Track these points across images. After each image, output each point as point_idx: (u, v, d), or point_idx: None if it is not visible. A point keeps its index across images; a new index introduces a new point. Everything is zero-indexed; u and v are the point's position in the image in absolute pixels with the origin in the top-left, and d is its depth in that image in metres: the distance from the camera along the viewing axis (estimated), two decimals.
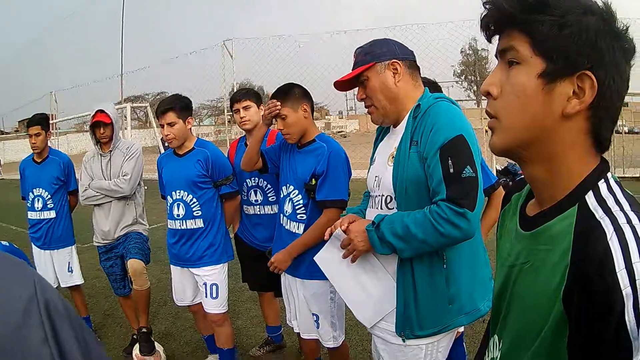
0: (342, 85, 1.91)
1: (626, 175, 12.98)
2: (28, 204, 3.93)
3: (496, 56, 0.82)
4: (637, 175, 12.92)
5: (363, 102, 1.87)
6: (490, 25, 0.81)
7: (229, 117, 15.99)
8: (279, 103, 2.48)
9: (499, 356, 0.89)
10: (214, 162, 3.02)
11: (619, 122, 15.22)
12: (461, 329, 2.61)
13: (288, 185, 2.59)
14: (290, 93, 2.51)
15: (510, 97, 0.78)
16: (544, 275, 0.75)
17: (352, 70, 1.85)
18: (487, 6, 0.79)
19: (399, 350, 1.75)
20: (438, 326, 1.71)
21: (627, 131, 19.05)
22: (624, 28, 0.76)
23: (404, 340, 1.73)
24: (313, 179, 2.45)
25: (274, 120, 2.58)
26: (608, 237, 0.67)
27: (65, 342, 0.50)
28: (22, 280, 0.51)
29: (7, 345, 0.45)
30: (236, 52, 15.40)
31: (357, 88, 1.89)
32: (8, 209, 11.04)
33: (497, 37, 0.82)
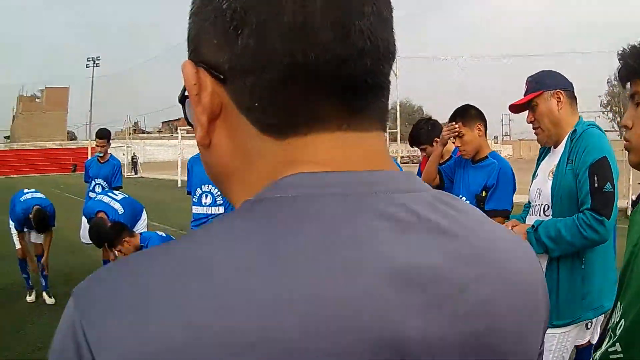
0: (514, 107, 2.27)
1: None
2: (194, 199, 3.93)
3: (629, 98, 1.19)
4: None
5: (532, 124, 2.21)
6: (622, 75, 1.16)
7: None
8: (457, 126, 2.76)
9: (619, 316, 1.12)
10: None
11: None
12: (594, 339, 2.80)
13: (460, 196, 2.87)
14: (468, 113, 2.81)
15: (639, 127, 1.13)
16: None
17: (524, 96, 2.20)
18: (620, 61, 1.14)
19: None
20: (571, 317, 2.02)
21: None
22: None
23: None
24: (484, 191, 2.76)
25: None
26: None
27: None
28: None
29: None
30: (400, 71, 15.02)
31: (525, 112, 2.23)
32: (159, 206, 11.89)
33: (628, 84, 1.16)
